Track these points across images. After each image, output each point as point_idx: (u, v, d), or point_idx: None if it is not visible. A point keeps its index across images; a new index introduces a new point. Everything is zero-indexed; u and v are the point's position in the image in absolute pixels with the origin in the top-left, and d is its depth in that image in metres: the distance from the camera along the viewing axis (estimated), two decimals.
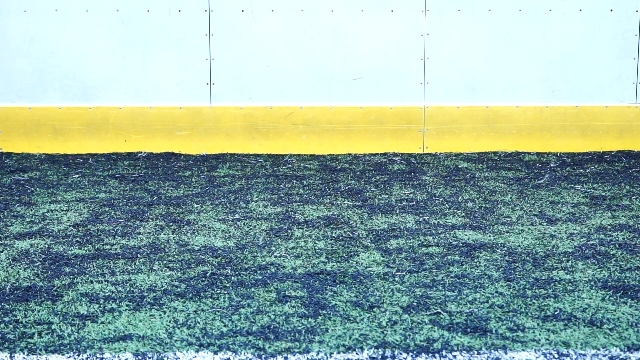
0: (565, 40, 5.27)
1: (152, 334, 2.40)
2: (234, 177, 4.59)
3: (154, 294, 2.72)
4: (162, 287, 2.80)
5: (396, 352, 2.28)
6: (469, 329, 2.43)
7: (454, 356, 2.26)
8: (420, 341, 2.35)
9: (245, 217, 3.73)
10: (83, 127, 5.25)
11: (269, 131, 5.26)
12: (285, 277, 2.89)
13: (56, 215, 3.75)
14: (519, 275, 2.92)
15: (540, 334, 2.40)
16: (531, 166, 4.85)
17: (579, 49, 5.27)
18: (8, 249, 3.23)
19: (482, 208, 3.88)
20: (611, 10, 5.24)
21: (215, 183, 4.44)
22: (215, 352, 2.28)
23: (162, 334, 2.41)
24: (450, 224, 3.60)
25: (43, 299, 2.68)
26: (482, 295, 2.71)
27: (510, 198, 4.07)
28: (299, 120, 5.26)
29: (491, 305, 2.62)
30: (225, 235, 3.43)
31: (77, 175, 4.63)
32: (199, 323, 2.48)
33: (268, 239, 3.39)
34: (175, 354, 2.27)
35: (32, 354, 2.27)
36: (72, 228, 3.54)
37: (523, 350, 2.30)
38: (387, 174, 4.65)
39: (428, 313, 2.56)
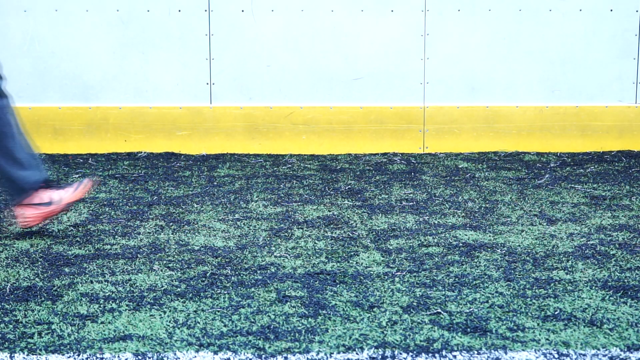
0: (565, 40, 5.27)
1: (152, 334, 2.40)
2: (234, 177, 4.60)
3: (154, 294, 2.73)
4: (162, 287, 2.80)
5: (396, 352, 2.28)
6: (469, 329, 2.43)
7: (454, 356, 2.26)
8: (420, 341, 2.35)
9: (245, 217, 3.73)
10: (83, 127, 5.25)
11: (269, 131, 5.26)
12: (285, 277, 2.89)
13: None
14: (519, 275, 2.92)
15: (540, 334, 2.40)
16: (531, 166, 4.85)
17: (579, 49, 5.27)
18: (8, 249, 3.24)
19: (482, 208, 3.88)
20: (611, 10, 5.24)
21: (215, 183, 4.44)
22: (215, 352, 2.28)
23: (162, 334, 2.41)
24: (450, 224, 3.60)
25: (43, 299, 2.69)
26: (482, 295, 2.71)
27: (510, 198, 4.07)
28: (299, 120, 5.26)
29: (491, 305, 2.62)
30: (225, 235, 3.43)
31: (77, 175, 4.63)
32: (199, 323, 2.49)
33: (268, 239, 3.39)
34: (175, 354, 2.27)
35: (32, 354, 2.27)
36: (72, 228, 3.54)
37: (523, 350, 2.30)
38: (387, 174, 4.66)
39: (428, 313, 2.56)
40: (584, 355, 2.27)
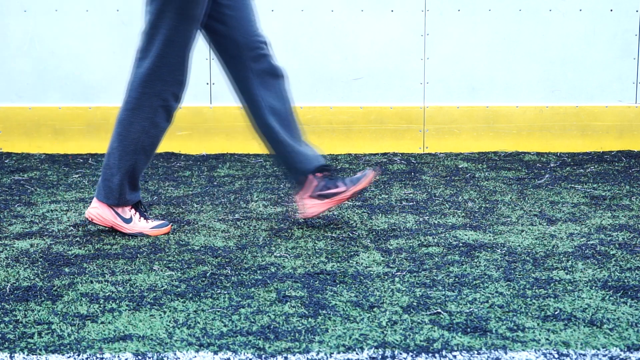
0: (565, 40, 5.27)
1: (152, 334, 2.40)
2: (234, 177, 4.60)
3: (154, 294, 2.73)
4: (162, 287, 2.80)
5: (396, 352, 2.28)
6: (469, 329, 2.43)
7: (454, 356, 2.26)
8: (420, 341, 2.35)
9: (245, 217, 3.73)
10: (83, 127, 5.25)
11: None
12: (285, 277, 2.90)
13: (56, 215, 3.76)
14: (519, 275, 2.92)
15: (540, 334, 2.40)
16: (531, 166, 4.86)
17: (579, 49, 5.27)
18: (8, 249, 3.24)
19: (482, 208, 3.88)
20: (611, 10, 5.24)
21: (215, 183, 4.44)
22: (215, 352, 2.28)
23: (162, 334, 2.41)
24: (450, 224, 3.60)
25: (43, 299, 2.69)
26: (482, 295, 2.71)
27: (510, 198, 4.07)
28: (299, 120, 5.25)
29: (491, 305, 2.62)
30: (225, 235, 3.43)
31: (77, 175, 4.63)
32: (199, 323, 2.49)
33: (268, 239, 3.39)
34: (175, 354, 2.27)
35: (32, 354, 2.27)
36: (72, 228, 3.54)
37: (523, 350, 2.30)
38: (387, 174, 4.66)
39: (428, 313, 2.56)
40: (584, 355, 2.27)
